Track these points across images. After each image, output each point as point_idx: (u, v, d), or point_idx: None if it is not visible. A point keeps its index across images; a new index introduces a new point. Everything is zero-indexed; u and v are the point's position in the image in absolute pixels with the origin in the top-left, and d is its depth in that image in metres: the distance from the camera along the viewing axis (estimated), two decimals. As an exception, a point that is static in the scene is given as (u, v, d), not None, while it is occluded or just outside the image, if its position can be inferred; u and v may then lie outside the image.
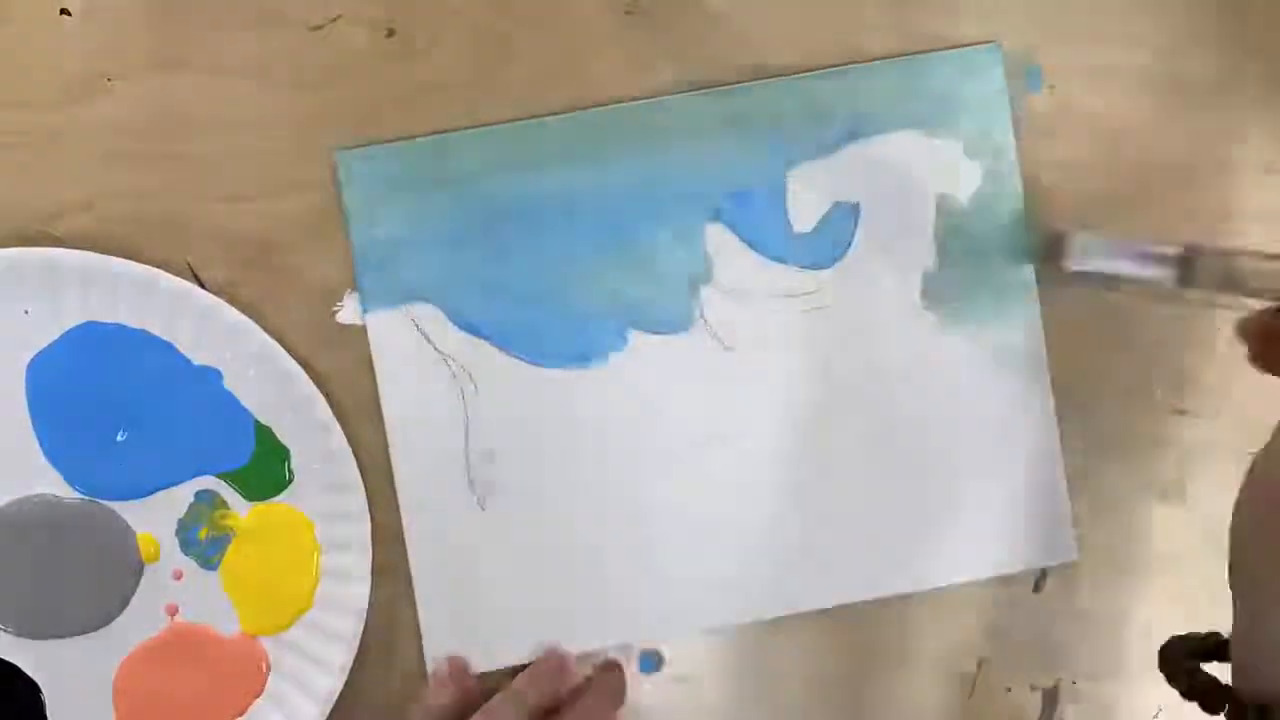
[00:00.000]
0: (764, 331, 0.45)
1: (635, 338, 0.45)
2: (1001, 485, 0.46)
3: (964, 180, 0.45)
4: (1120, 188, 0.46)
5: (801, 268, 0.45)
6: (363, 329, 0.44)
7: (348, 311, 0.44)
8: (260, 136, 0.44)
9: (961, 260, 0.45)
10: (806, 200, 0.45)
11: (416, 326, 0.44)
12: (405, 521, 0.44)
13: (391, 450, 0.44)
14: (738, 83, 0.44)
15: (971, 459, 0.46)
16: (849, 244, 0.45)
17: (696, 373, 0.45)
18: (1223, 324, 0.46)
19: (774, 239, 0.45)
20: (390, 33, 0.44)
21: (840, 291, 0.45)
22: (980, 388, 0.45)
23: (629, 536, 0.45)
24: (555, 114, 0.44)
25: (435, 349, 0.44)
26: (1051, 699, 0.46)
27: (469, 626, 0.45)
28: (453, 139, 0.44)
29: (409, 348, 0.44)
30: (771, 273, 0.45)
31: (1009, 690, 0.46)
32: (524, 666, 0.45)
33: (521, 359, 0.45)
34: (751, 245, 0.45)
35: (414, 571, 0.45)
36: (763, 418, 0.45)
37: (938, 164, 0.45)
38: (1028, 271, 0.45)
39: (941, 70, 0.45)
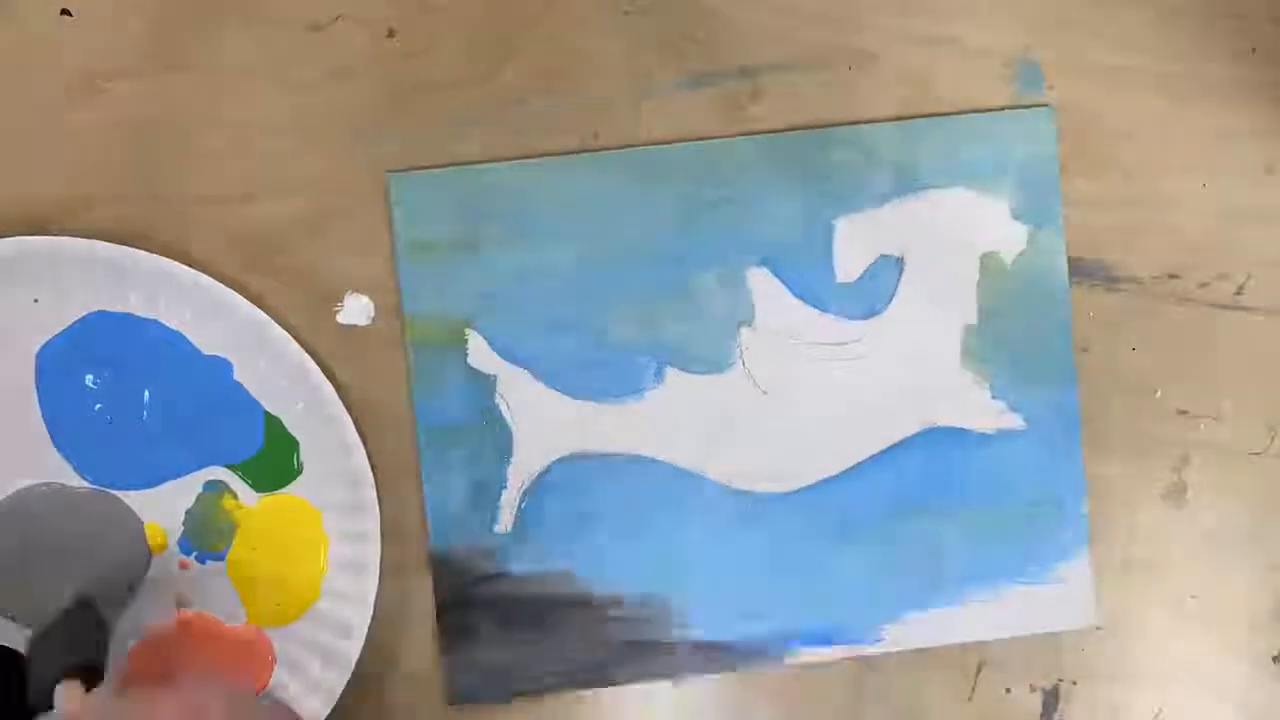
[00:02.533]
0: (801, 378, 0.45)
1: (672, 376, 0.45)
2: (1027, 546, 0.46)
3: (1009, 242, 0.45)
4: (1119, 188, 0.46)
5: (843, 317, 0.45)
6: (364, 329, 0.44)
7: (348, 312, 0.44)
8: (260, 136, 0.44)
9: (1002, 321, 0.45)
10: (852, 250, 0.45)
11: (458, 349, 0.44)
12: (433, 543, 0.44)
13: (423, 472, 0.44)
14: (787, 129, 0.45)
15: (999, 519, 0.45)
16: (891, 297, 0.45)
17: (732, 414, 0.45)
18: (1223, 324, 0.46)
19: (817, 287, 0.45)
20: (390, 33, 0.44)
21: (879, 343, 0.45)
22: (1013, 450, 0.45)
23: (655, 575, 0.45)
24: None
25: (474, 373, 0.44)
26: (1051, 699, 0.46)
27: (491, 658, 0.45)
28: (502, 169, 0.44)
29: (449, 370, 0.44)
30: (812, 320, 0.45)
31: (1009, 691, 0.46)
32: (541, 695, 0.45)
33: (557, 390, 0.45)
34: (794, 292, 0.45)
35: (436, 592, 0.45)
36: (794, 463, 0.45)
37: (984, 223, 0.45)
38: (1069, 336, 0.45)
39: (994, 130, 0.45)
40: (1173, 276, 0.46)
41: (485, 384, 0.44)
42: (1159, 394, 0.46)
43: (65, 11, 0.43)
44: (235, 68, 0.44)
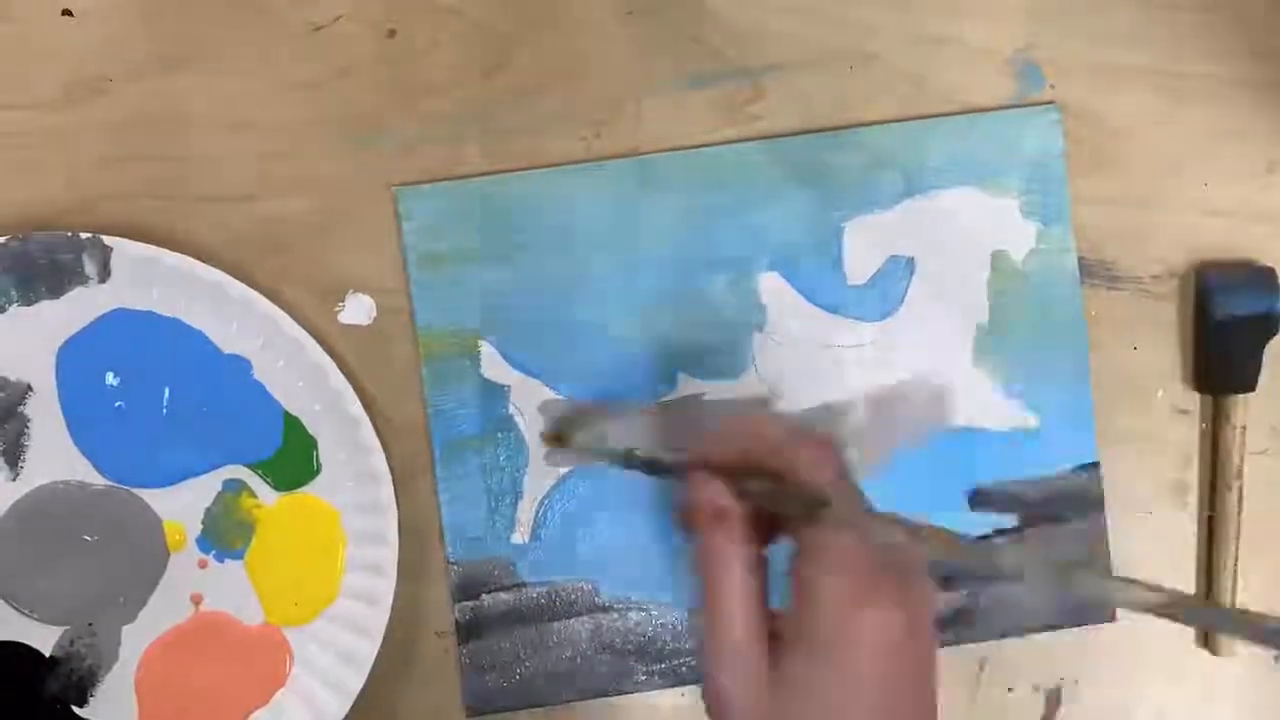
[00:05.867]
0: (814, 381, 0.45)
1: (685, 382, 0.45)
2: (1044, 544, 0.46)
3: (1019, 239, 0.45)
4: (1120, 188, 0.46)
5: (854, 319, 0.45)
6: (365, 328, 0.44)
7: (349, 311, 0.44)
8: (260, 136, 0.44)
9: (1014, 319, 0.45)
10: (862, 253, 0.45)
11: (471, 361, 0.44)
12: (450, 554, 0.44)
13: (439, 484, 0.44)
14: (788, 129, 0.45)
15: (1015, 517, 0.45)
16: (902, 298, 0.45)
17: None
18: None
19: (828, 290, 0.45)
20: (390, 33, 0.44)
21: (892, 344, 0.45)
22: (1029, 448, 0.45)
23: (672, 582, 0.45)
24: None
25: (488, 384, 0.44)
26: (1054, 699, 0.46)
27: (509, 667, 0.45)
28: (509, 179, 0.44)
29: (462, 381, 0.44)
30: (824, 323, 0.45)
31: (1011, 690, 0.46)
32: (558, 703, 0.45)
33: (571, 399, 0.44)
34: (805, 295, 0.45)
35: (454, 603, 0.45)
36: None
37: (994, 222, 0.45)
38: (1081, 333, 0.45)
39: (1001, 128, 0.45)
40: (1173, 276, 0.46)
41: (499, 394, 0.44)
42: (1160, 394, 0.46)
43: (66, 12, 0.43)
44: (235, 68, 0.44)
